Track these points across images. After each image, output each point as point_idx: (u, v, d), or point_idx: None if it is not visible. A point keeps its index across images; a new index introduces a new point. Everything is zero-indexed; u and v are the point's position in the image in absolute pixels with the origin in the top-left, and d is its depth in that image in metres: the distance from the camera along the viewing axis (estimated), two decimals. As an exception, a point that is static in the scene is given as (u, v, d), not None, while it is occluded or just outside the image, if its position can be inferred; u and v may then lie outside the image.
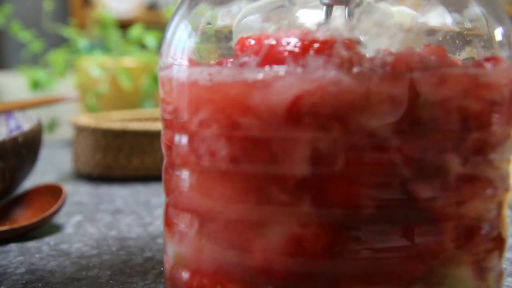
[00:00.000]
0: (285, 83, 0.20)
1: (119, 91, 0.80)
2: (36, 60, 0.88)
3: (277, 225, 0.21)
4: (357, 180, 0.20)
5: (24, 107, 0.52)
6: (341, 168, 0.20)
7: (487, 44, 0.23)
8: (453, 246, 0.21)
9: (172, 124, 0.24)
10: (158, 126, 0.56)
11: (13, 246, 0.34)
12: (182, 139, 0.23)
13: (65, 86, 0.88)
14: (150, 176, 0.55)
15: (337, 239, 0.20)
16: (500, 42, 0.23)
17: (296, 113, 0.20)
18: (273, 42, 0.20)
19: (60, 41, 0.98)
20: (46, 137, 0.78)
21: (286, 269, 0.21)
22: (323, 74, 0.20)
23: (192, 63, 0.23)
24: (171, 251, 0.24)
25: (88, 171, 0.56)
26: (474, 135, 0.21)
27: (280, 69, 0.20)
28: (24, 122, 0.47)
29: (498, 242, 0.22)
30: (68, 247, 0.34)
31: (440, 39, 0.22)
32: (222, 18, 0.23)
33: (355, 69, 0.20)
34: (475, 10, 0.23)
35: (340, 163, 0.20)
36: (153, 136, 0.55)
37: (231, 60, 0.22)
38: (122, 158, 0.55)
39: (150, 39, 0.84)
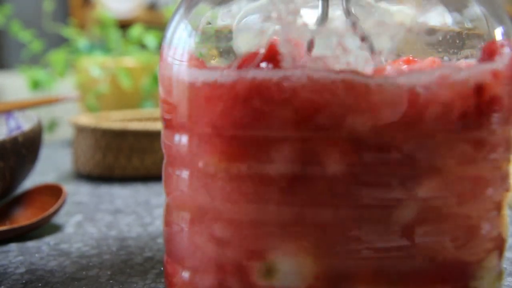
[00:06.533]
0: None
1: (119, 91, 0.80)
2: (36, 60, 0.88)
3: (277, 225, 0.21)
4: (357, 180, 0.20)
5: (24, 107, 0.52)
6: (341, 167, 0.20)
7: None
8: (453, 246, 0.21)
9: (172, 124, 0.24)
10: (158, 126, 0.56)
11: (13, 246, 0.34)
12: (182, 139, 0.23)
13: (65, 86, 0.88)
14: (150, 176, 0.55)
15: (337, 239, 0.20)
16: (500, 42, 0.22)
17: (297, 113, 0.20)
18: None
19: (60, 41, 0.98)
20: (46, 137, 0.78)
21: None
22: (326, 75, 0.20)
23: (194, 62, 0.23)
24: (171, 250, 0.24)
25: (88, 171, 0.56)
26: (474, 135, 0.21)
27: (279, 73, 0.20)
28: (24, 122, 0.47)
29: (498, 242, 0.22)
30: (68, 247, 0.34)
31: (440, 39, 0.22)
32: (222, 17, 0.23)
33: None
34: (475, 9, 0.23)
35: (339, 162, 0.20)
36: (153, 136, 0.55)
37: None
38: (122, 158, 0.55)
39: (150, 39, 0.84)
